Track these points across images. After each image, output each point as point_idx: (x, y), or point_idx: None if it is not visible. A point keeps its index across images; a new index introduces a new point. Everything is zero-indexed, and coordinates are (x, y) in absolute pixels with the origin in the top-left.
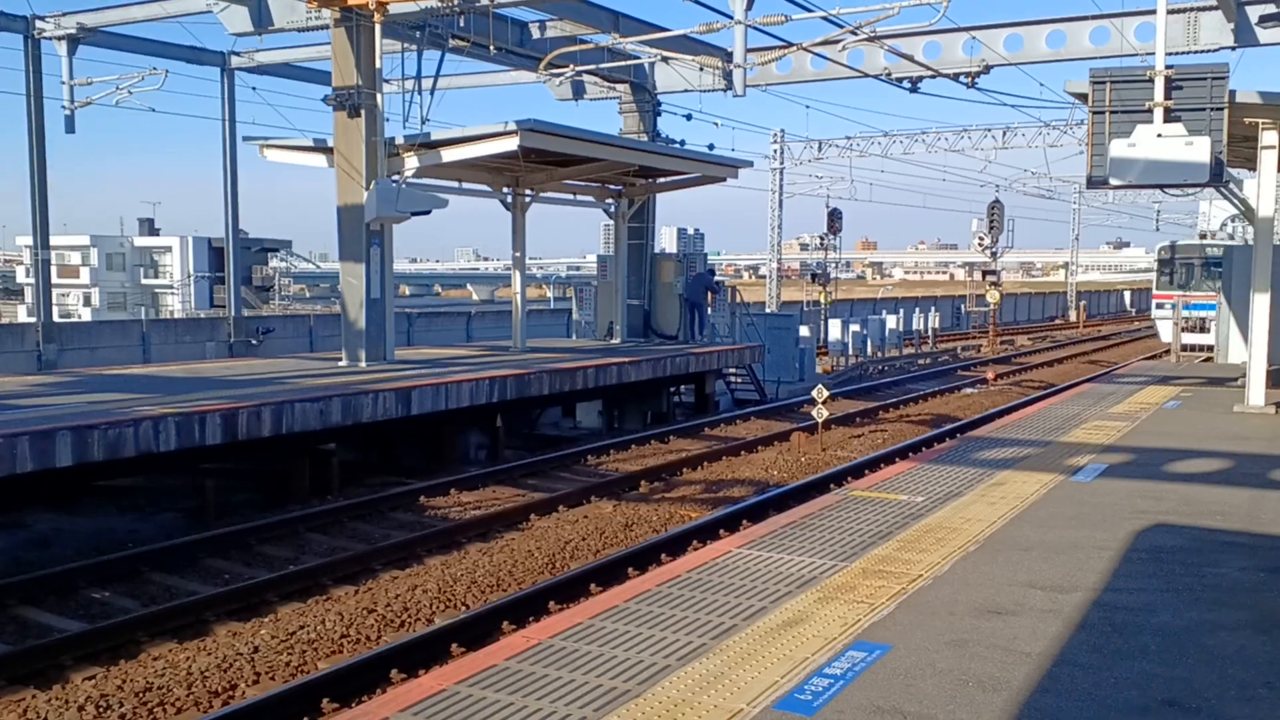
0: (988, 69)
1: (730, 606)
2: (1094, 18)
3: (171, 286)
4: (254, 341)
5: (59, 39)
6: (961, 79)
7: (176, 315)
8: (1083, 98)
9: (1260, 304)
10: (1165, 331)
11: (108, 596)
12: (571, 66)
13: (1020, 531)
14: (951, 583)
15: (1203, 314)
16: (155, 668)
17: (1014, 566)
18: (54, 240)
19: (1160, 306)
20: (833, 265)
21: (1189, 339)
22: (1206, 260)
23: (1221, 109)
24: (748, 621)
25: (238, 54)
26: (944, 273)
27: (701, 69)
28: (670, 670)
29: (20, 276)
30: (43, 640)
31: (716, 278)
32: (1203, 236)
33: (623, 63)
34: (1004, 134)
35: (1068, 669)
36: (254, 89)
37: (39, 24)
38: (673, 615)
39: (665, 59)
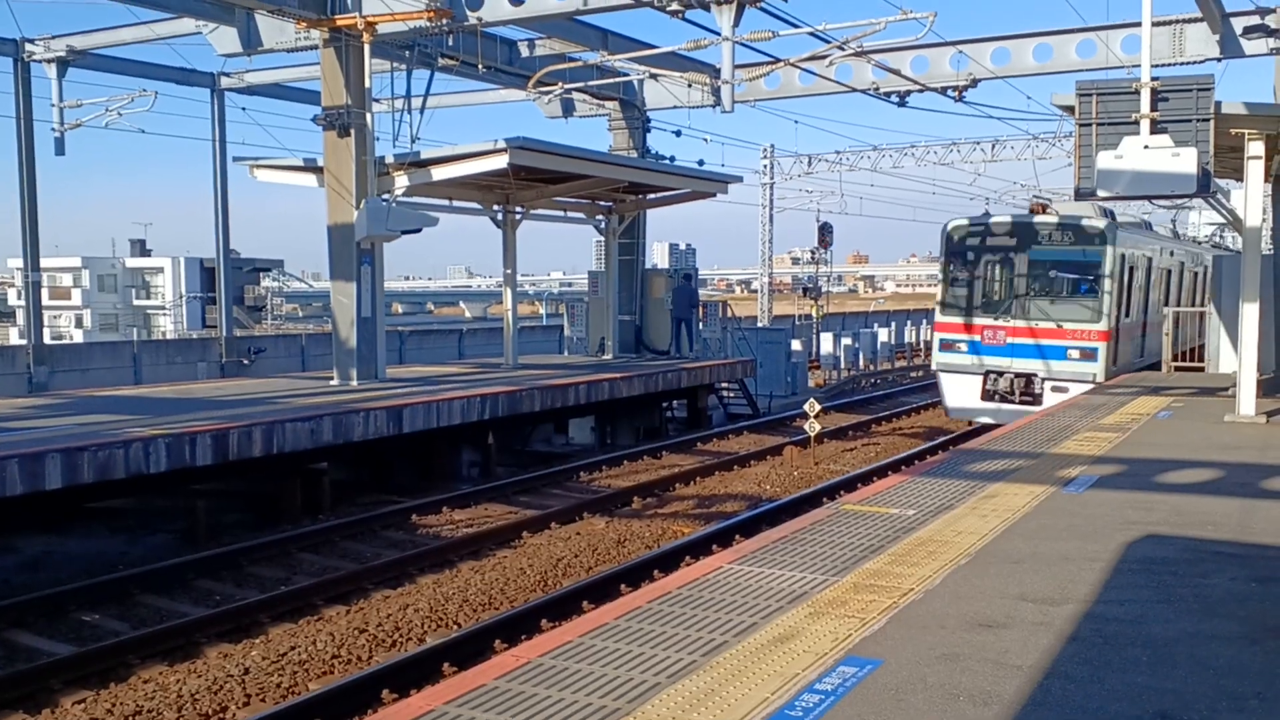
0: (975, 83)
1: (721, 623)
2: (1080, 30)
3: (163, 307)
4: (246, 361)
5: (48, 61)
6: (949, 93)
7: (168, 336)
8: (1070, 110)
9: (1249, 313)
10: (955, 394)
11: (98, 619)
12: (560, 84)
13: (1011, 544)
14: (943, 596)
15: (1034, 366)
16: (145, 690)
17: (1005, 579)
18: (45, 262)
19: (948, 348)
20: (824, 279)
21: (990, 412)
22: (1045, 257)
23: (1208, 120)
24: (739, 638)
25: (227, 75)
26: (936, 285)
27: (690, 85)
28: (660, 688)
29: (12, 299)
30: (32, 664)
31: (694, 285)
32: (1040, 210)
33: (612, 80)
34: (993, 147)
35: (1059, 682)
36: (244, 109)
37: (29, 47)
38: (663, 632)
39: (654, 76)
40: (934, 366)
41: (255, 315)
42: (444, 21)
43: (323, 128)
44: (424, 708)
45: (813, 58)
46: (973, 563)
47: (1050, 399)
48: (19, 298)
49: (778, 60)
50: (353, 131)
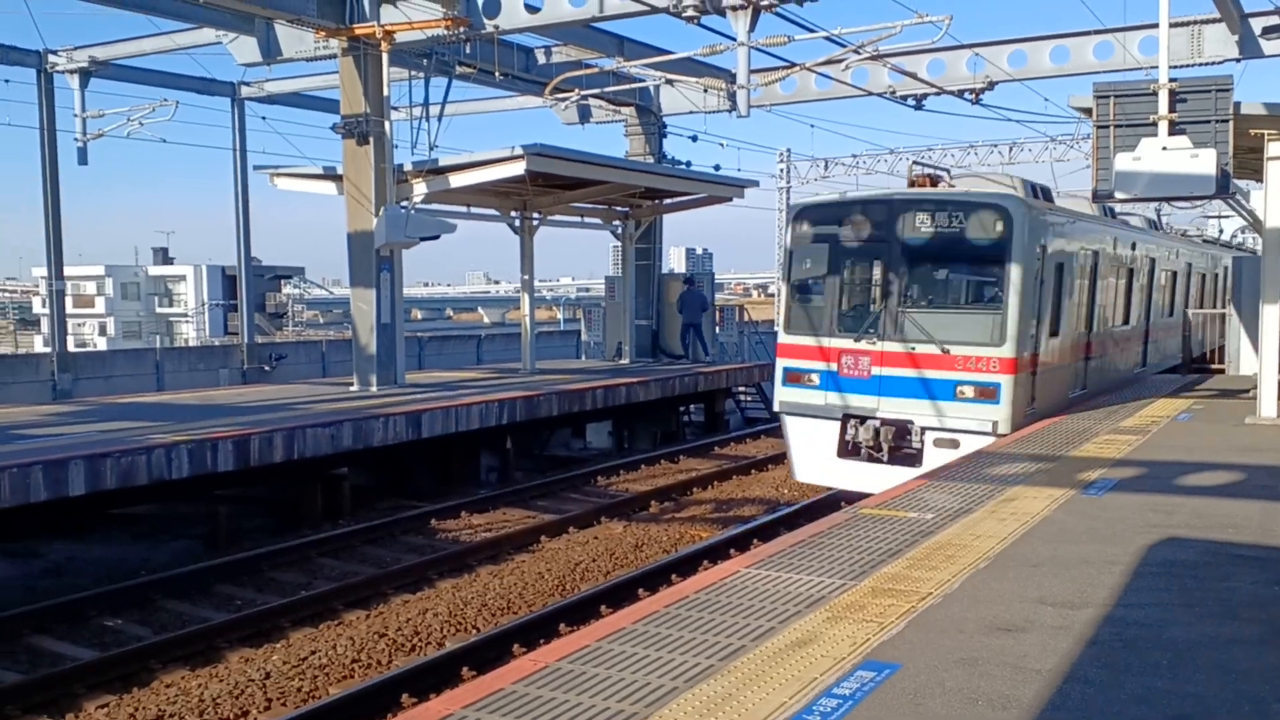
0: (992, 85)
1: (739, 627)
2: (1097, 32)
3: (186, 315)
4: (267, 368)
5: (71, 72)
6: (966, 95)
7: (191, 343)
8: (1087, 112)
9: (1270, 315)
10: (803, 447)
11: (120, 624)
12: (577, 91)
13: (1031, 547)
14: (961, 600)
15: (909, 409)
16: (168, 695)
17: (1024, 583)
18: (69, 270)
19: (794, 380)
20: None
21: (850, 475)
22: (925, 250)
23: (1226, 121)
24: (756, 642)
25: (247, 84)
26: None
27: (706, 91)
28: (677, 693)
29: (37, 307)
30: (56, 669)
31: (702, 289)
32: (925, 182)
33: (628, 86)
34: (1010, 149)
35: (1079, 686)
36: (264, 118)
37: (52, 58)
38: (681, 637)
39: (670, 82)
40: (776, 406)
41: (276, 322)
42: (461, 30)
43: (342, 136)
44: (443, 711)
45: (828, 62)
46: (991, 566)
47: (934, 457)
48: (43, 306)
49: (793, 65)
50: (371, 139)
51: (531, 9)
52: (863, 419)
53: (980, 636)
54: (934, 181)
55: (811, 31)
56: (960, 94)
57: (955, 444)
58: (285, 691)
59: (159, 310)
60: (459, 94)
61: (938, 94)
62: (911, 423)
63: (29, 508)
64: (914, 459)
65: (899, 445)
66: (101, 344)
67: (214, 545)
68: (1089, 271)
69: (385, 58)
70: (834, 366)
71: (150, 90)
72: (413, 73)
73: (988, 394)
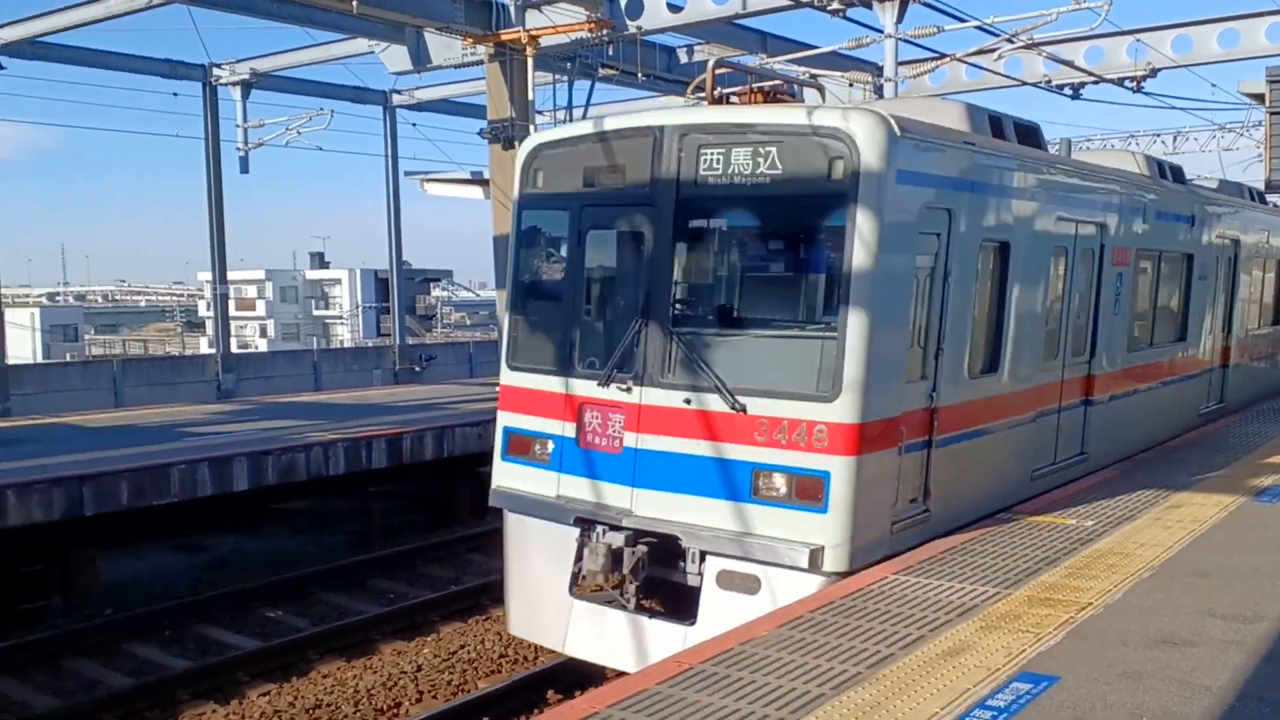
0: (1154, 72)
1: (887, 635)
2: (1270, 14)
3: (341, 317)
4: (417, 368)
5: (234, 85)
6: (1126, 83)
7: (346, 344)
8: (1259, 98)
9: None
10: (522, 575)
11: (280, 615)
12: (719, 89)
13: (1198, 556)
14: (1124, 611)
15: (678, 513)
16: (324, 685)
17: (1191, 594)
18: (232, 275)
19: (518, 450)
20: None
21: (598, 635)
22: (714, 219)
23: None
24: (905, 650)
25: (398, 92)
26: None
27: (852, 85)
28: (824, 699)
29: (202, 310)
30: (221, 657)
31: None
32: (748, 99)
33: (772, 82)
34: (1174, 138)
35: (1253, 705)
36: (414, 125)
37: (216, 71)
38: (827, 643)
39: (814, 76)
40: (491, 498)
41: (426, 324)
42: (604, 32)
43: (488, 141)
44: (587, 710)
45: (980, 52)
46: (1156, 576)
47: (719, 605)
48: (208, 309)
49: (943, 55)
50: (517, 144)
51: (674, 8)
52: (608, 526)
53: (1144, 649)
54: (768, 94)
55: (962, 21)
56: (1120, 82)
57: (754, 582)
58: (436, 684)
59: (316, 313)
60: (601, 96)
61: (1096, 83)
62: (677, 539)
63: (196, 502)
64: (683, 608)
65: (661, 580)
66: (262, 345)
67: (368, 540)
68: (1089, 259)
69: (530, 62)
70: (571, 428)
71: (307, 100)
72: (557, 76)
73: (808, 492)
